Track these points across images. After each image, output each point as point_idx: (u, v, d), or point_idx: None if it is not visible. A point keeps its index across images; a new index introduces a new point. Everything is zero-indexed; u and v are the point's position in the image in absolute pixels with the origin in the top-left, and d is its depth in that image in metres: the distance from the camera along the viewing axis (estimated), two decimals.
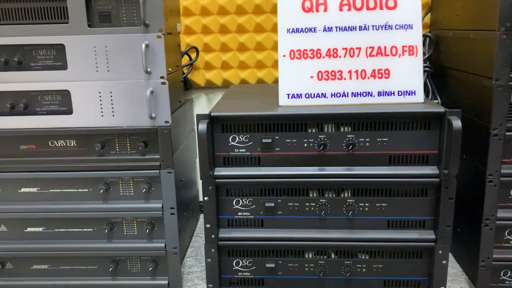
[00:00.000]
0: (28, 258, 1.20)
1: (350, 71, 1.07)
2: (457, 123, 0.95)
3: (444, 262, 1.06)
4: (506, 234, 1.09)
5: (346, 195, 1.07)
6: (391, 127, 1.02)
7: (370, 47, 1.06)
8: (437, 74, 1.41)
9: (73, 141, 1.13)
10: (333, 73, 1.07)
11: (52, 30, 1.06)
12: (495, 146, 1.03)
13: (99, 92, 1.08)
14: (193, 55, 1.55)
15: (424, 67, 1.41)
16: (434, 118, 1.01)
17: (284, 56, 1.08)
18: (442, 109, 0.99)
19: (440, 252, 1.05)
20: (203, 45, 1.57)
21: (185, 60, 1.55)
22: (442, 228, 1.04)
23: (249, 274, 1.13)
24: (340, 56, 1.07)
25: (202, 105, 1.66)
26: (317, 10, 1.07)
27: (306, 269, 1.12)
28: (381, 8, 1.06)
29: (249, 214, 1.10)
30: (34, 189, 1.16)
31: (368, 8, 1.06)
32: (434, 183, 1.03)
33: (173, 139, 1.18)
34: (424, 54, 1.44)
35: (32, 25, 1.06)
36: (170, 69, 1.17)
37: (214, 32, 1.56)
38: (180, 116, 1.31)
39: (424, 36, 1.45)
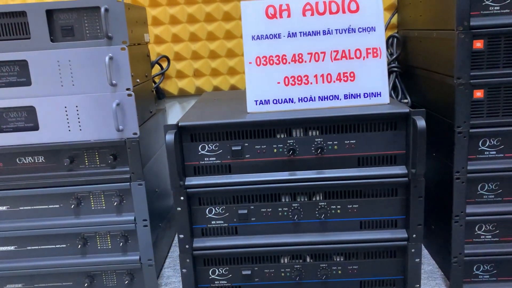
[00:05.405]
0: (1, 277, 1.18)
1: (316, 76, 1.07)
2: (421, 122, 0.96)
3: (417, 260, 1.07)
4: (476, 230, 1.11)
5: (317, 198, 1.07)
6: (358, 129, 1.03)
7: (334, 51, 1.07)
8: (405, 74, 1.43)
9: (41, 157, 1.11)
10: (299, 78, 1.08)
11: (14, 46, 1.05)
12: (460, 143, 1.04)
13: (65, 107, 1.07)
14: (165, 64, 1.54)
15: (392, 67, 1.43)
16: (400, 119, 1.02)
17: (250, 63, 1.08)
18: (406, 109, 1.00)
19: (413, 250, 1.06)
20: (174, 54, 1.57)
21: (157, 69, 1.54)
22: (414, 227, 1.05)
23: (225, 282, 1.13)
24: (305, 61, 1.08)
25: (176, 114, 1.66)
26: (281, 16, 1.07)
27: (282, 274, 1.12)
28: (344, 12, 1.07)
29: (222, 222, 1.09)
30: (4, 208, 1.14)
31: (331, 12, 1.07)
32: (403, 183, 1.04)
33: (145, 150, 1.17)
34: (392, 54, 1.45)
35: None
36: (138, 80, 1.16)
37: (185, 40, 1.56)
38: (152, 127, 1.31)
39: (392, 36, 1.46)
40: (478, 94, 1.02)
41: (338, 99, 1.08)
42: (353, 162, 1.05)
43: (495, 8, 0.98)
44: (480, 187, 1.08)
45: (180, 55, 1.57)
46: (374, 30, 1.07)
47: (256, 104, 1.08)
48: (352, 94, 1.07)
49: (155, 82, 1.53)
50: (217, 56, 1.57)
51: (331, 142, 1.04)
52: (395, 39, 1.45)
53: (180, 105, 1.66)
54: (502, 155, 1.06)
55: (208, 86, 1.61)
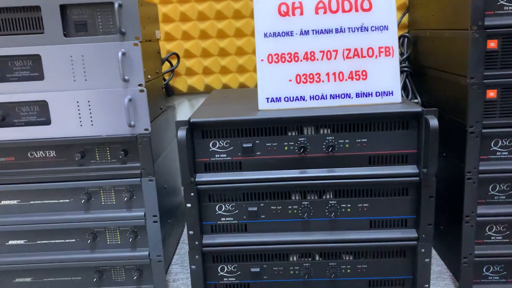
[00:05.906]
0: (11, 271, 1.18)
1: (328, 74, 1.07)
2: (433, 122, 0.96)
3: (427, 260, 1.07)
4: (487, 230, 1.10)
5: (328, 196, 1.07)
6: (370, 128, 1.03)
7: (347, 49, 1.07)
8: (416, 73, 1.42)
9: (53, 152, 1.12)
10: (311, 76, 1.08)
11: (27, 41, 1.05)
12: (472, 143, 1.04)
13: (77, 102, 1.08)
14: (174, 62, 1.55)
15: (403, 67, 1.43)
16: (412, 118, 1.02)
17: (262, 60, 1.08)
18: (419, 109, 1.00)
19: (423, 250, 1.06)
20: (184, 51, 1.57)
21: (166, 66, 1.55)
22: (424, 227, 1.05)
23: (234, 279, 1.13)
24: (317, 59, 1.07)
25: (185, 111, 1.66)
26: (293, 14, 1.07)
27: (291, 272, 1.12)
28: (357, 10, 1.06)
29: (232, 219, 1.10)
30: (15, 202, 1.15)
31: (343, 11, 1.07)
32: (414, 182, 1.04)
33: (155, 146, 1.18)
34: (403, 54, 1.45)
35: (7, 36, 1.05)
36: (149, 76, 1.16)
37: (195, 38, 1.56)
38: (162, 123, 1.31)
39: (403, 36, 1.46)
40: (491, 94, 1.02)
41: (350, 97, 1.07)
42: (364, 160, 1.05)
43: (510, 7, 0.98)
44: (491, 188, 1.08)
45: (190, 53, 1.57)
46: (387, 29, 1.06)
47: (268, 102, 1.08)
48: (364, 93, 1.07)
49: (164, 79, 1.53)
50: (227, 54, 1.57)
51: (343, 141, 1.04)
52: (406, 39, 1.45)
53: (189, 102, 1.66)
54: None
55: (217, 83, 1.61)
